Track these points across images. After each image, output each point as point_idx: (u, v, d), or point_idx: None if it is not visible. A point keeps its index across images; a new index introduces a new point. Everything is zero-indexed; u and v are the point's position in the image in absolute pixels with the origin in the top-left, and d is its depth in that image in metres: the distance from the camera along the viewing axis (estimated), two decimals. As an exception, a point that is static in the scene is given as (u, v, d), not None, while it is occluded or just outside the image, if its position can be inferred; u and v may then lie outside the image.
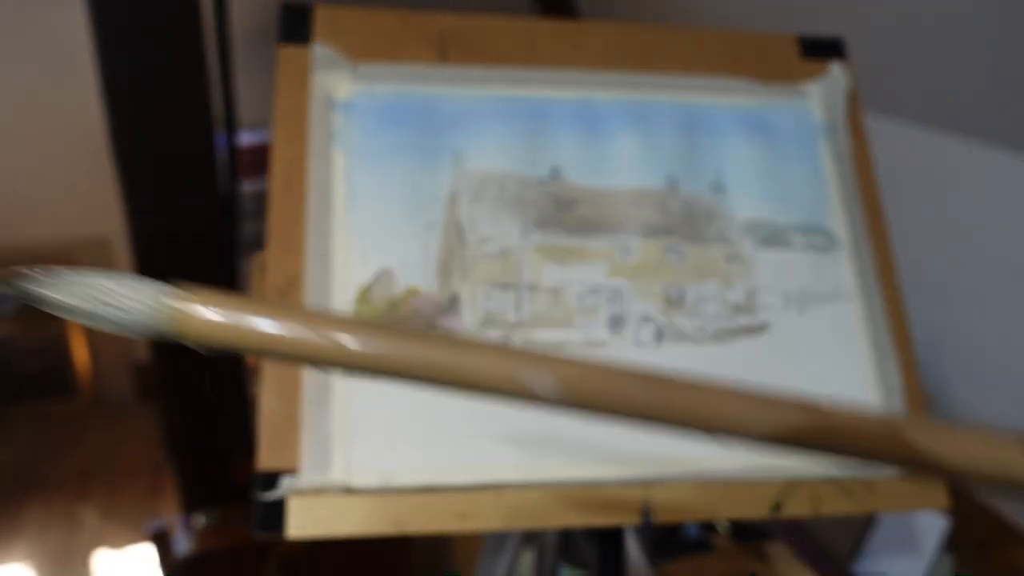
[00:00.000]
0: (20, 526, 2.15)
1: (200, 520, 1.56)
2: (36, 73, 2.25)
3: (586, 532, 1.13)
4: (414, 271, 0.60)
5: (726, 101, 0.70)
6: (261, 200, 2.32)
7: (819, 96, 0.71)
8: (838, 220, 0.68)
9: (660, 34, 0.70)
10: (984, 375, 1.19)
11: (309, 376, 0.56)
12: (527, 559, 1.13)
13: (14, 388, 2.55)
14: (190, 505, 1.69)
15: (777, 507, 0.59)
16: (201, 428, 1.64)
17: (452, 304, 0.60)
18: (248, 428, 1.67)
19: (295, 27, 0.64)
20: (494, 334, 0.60)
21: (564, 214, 0.64)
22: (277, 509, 0.53)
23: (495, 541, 0.76)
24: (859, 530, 1.04)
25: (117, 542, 2.10)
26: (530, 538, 0.81)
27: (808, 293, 0.65)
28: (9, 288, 0.28)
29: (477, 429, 0.57)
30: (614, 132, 0.67)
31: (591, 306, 0.62)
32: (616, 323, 0.62)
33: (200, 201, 1.43)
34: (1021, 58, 0.99)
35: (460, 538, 1.55)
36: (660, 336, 0.62)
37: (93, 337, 2.59)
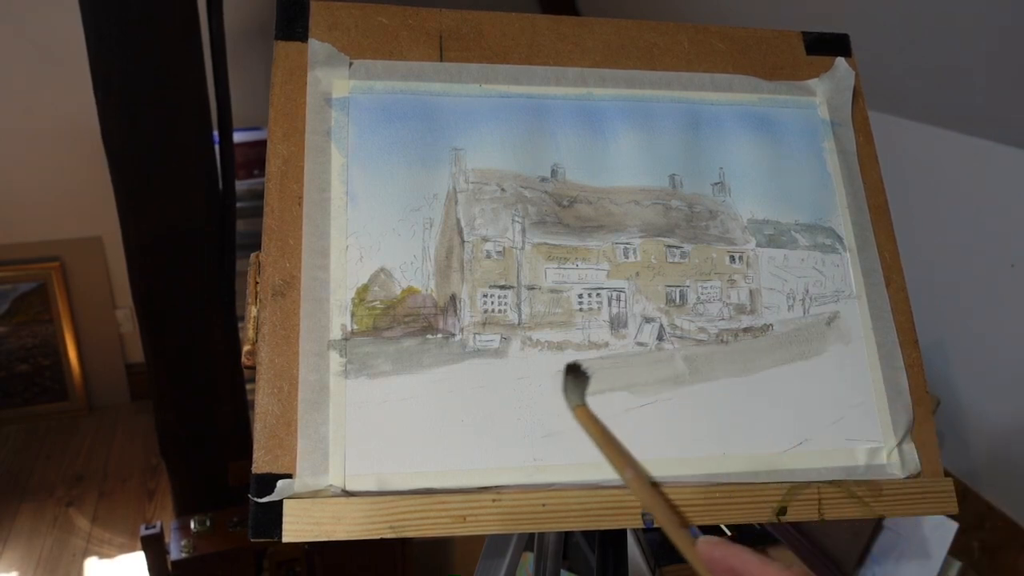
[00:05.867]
0: (12, 530, 2.13)
1: (195, 524, 1.55)
2: (31, 73, 2.24)
3: (587, 536, 1.12)
4: (412, 271, 0.59)
5: (729, 98, 0.69)
6: (257, 198, 2.31)
7: (824, 93, 0.70)
8: (843, 219, 0.67)
9: (662, 30, 0.69)
10: (992, 376, 1.18)
11: (306, 378, 0.55)
12: (527, 563, 1.12)
13: (5, 390, 2.53)
14: (184, 508, 1.68)
15: (781, 512, 0.58)
16: (196, 430, 1.63)
17: (451, 304, 0.59)
18: (244, 430, 1.66)
19: (292, 22, 0.63)
20: (493, 335, 0.59)
21: (564, 213, 0.63)
22: (273, 512, 0.52)
23: (494, 545, 0.75)
24: (866, 534, 1.03)
25: (110, 546, 2.08)
26: (530, 542, 0.80)
27: (813, 293, 0.65)
28: None
29: (476, 431, 0.56)
30: (615, 130, 0.66)
31: (592, 306, 0.61)
32: (617, 324, 0.61)
33: (194, 200, 1.42)
34: None
35: (459, 542, 1.54)
36: (661, 337, 0.61)
37: (85, 338, 2.57)
